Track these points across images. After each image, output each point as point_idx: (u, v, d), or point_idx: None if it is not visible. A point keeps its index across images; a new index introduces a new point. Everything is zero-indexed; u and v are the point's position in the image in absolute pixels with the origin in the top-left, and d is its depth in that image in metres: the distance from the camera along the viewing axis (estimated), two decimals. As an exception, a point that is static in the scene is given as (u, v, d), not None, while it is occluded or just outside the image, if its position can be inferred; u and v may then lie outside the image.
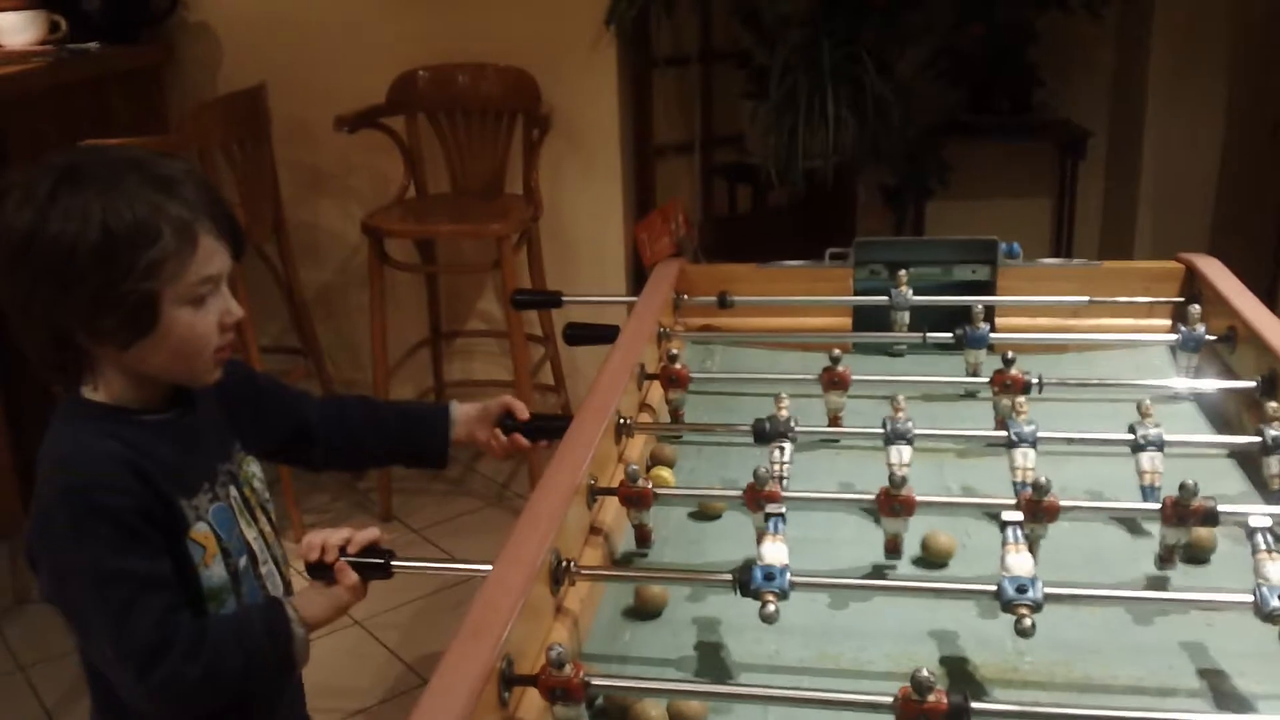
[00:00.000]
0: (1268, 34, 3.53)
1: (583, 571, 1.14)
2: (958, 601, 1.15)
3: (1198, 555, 1.27)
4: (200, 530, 1.20)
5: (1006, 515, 1.11)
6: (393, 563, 1.20)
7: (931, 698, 0.89)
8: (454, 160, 3.34)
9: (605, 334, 1.81)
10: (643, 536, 1.29)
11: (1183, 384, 1.67)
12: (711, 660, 1.13)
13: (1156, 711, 0.97)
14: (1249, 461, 1.43)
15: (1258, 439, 1.38)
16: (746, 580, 1.08)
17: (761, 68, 3.42)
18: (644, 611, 1.19)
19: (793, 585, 1.07)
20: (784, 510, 1.13)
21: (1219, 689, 1.08)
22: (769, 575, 1.06)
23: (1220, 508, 1.18)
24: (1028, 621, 1.03)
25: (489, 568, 1.07)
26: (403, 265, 3.25)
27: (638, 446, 1.49)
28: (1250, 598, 1.04)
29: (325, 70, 3.39)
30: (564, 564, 1.12)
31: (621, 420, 1.44)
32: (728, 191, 4.00)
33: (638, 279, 3.54)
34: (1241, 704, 1.05)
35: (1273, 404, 1.41)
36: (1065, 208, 4.04)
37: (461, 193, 3.34)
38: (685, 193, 3.81)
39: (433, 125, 3.32)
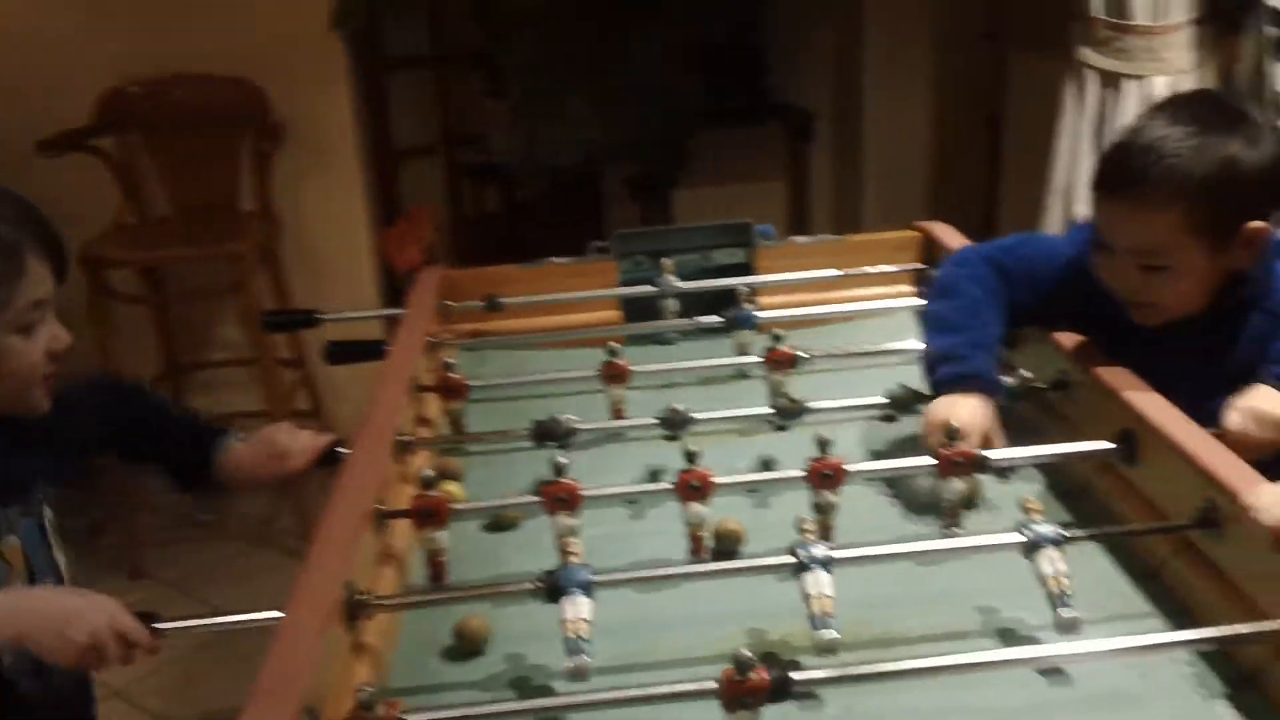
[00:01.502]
0: (972, 11, 3.77)
1: (380, 603, 1.10)
2: (760, 577, 1.17)
3: (968, 502, 1.34)
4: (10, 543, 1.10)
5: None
6: (159, 625, 1.12)
7: (754, 675, 0.90)
8: (176, 179, 3.16)
9: (371, 350, 1.76)
10: (437, 571, 1.23)
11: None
12: (528, 674, 1.11)
13: (955, 656, 1.02)
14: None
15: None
16: (555, 585, 1.07)
17: (500, 65, 3.41)
18: (468, 649, 1.15)
19: (599, 584, 1.07)
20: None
21: (1004, 625, 1.14)
22: (578, 579, 1.06)
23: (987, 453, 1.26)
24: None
25: (278, 615, 1.01)
26: (128, 297, 3.05)
27: (420, 464, 1.45)
28: (1020, 538, 1.12)
29: (23, 91, 3.13)
30: (359, 597, 1.08)
31: (402, 438, 1.40)
32: (475, 192, 3.96)
33: (390, 291, 3.46)
34: (1025, 637, 1.12)
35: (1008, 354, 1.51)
36: (798, 188, 4.22)
37: (187, 213, 3.17)
38: (431, 196, 3.75)
39: (149, 143, 3.12)
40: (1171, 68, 2.60)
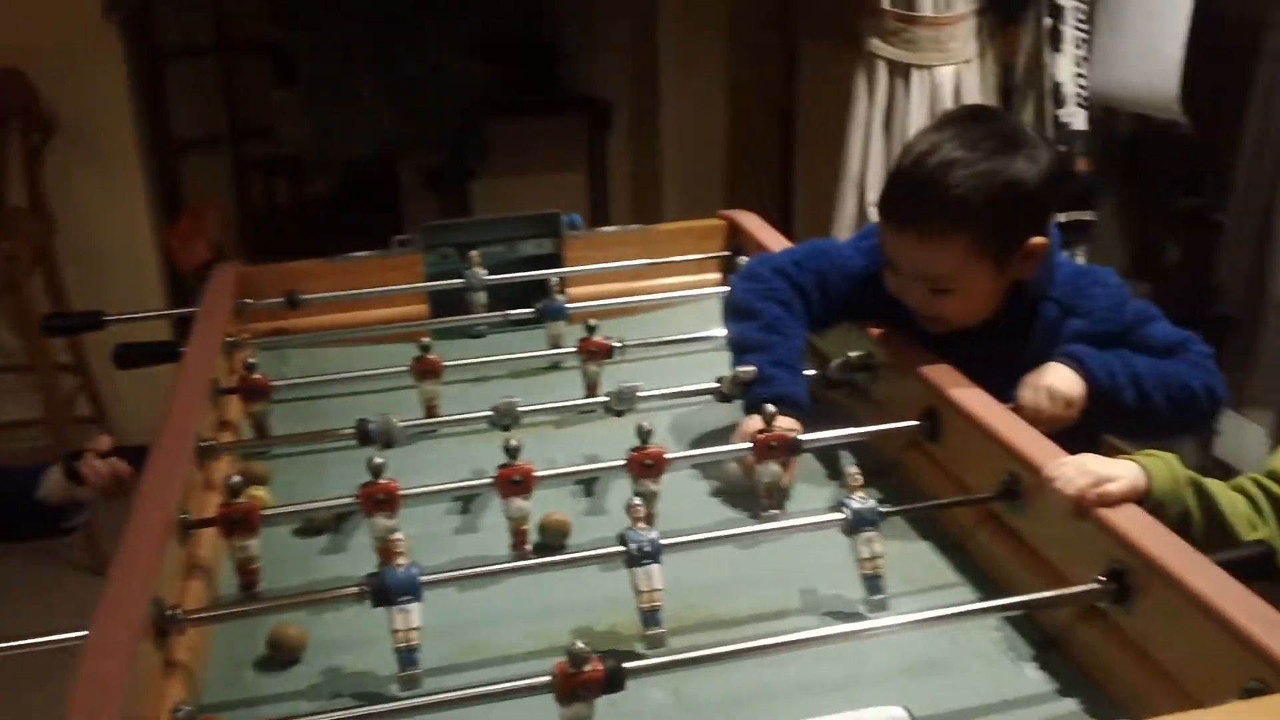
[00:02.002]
0: (764, 1, 3.84)
1: (192, 617, 1.05)
2: (585, 568, 1.16)
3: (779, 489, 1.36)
4: None
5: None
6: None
7: (588, 667, 0.89)
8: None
9: (164, 352, 1.68)
10: (249, 580, 1.17)
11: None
12: (349, 682, 1.07)
13: (779, 635, 1.03)
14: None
15: (813, 372, 1.51)
16: (380, 589, 1.04)
17: (288, 53, 3.29)
18: (285, 659, 1.10)
19: (422, 584, 1.04)
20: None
21: (824, 601, 1.17)
22: (402, 582, 1.03)
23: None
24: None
25: (80, 635, 0.95)
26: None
27: (224, 469, 1.39)
28: (841, 515, 1.15)
29: None
30: (169, 613, 1.02)
31: (203, 443, 1.33)
32: (264, 186, 3.82)
33: (176, 290, 3.31)
34: (845, 612, 1.15)
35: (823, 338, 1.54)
36: (598, 178, 4.23)
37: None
38: (218, 191, 3.59)
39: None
40: (956, 58, 2.72)
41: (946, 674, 1.06)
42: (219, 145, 3.60)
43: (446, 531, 1.30)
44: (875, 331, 1.51)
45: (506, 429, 1.39)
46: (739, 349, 1.48)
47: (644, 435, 1.24)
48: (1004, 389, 1.34)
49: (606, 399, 1.42)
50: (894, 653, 1.07)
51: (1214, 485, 1.15)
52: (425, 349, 1.52)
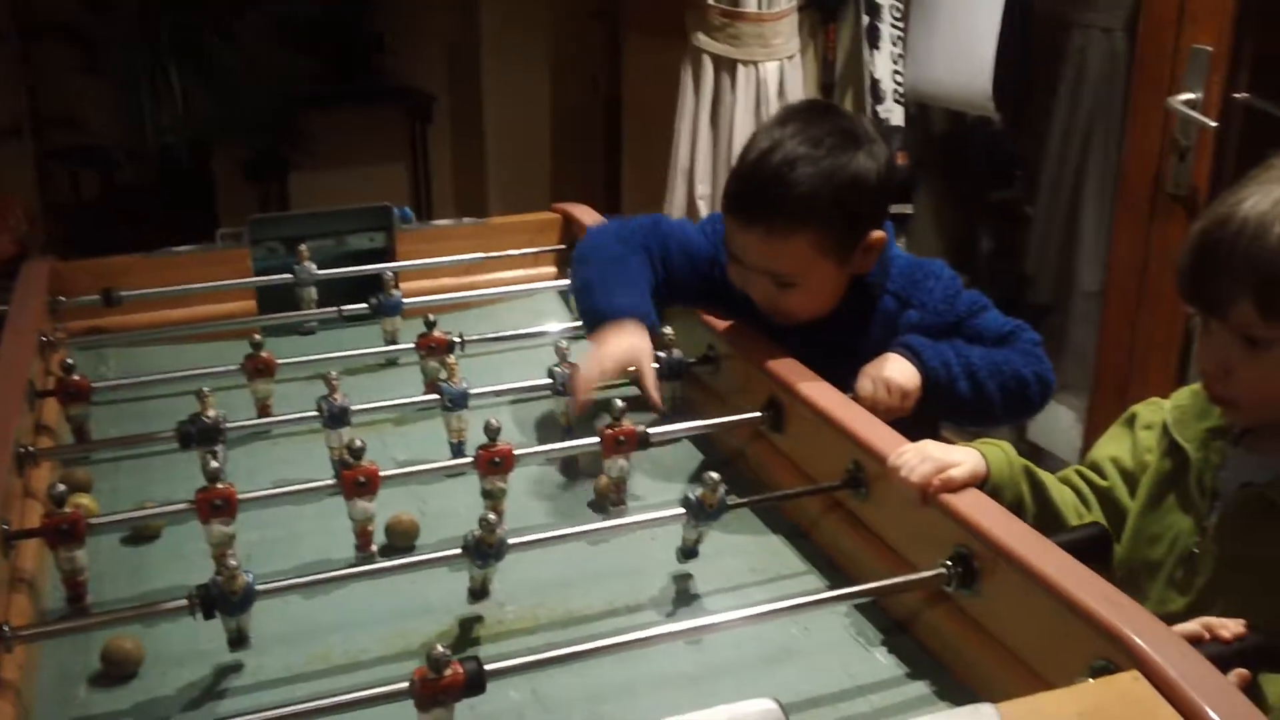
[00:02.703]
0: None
1: (19, 635, 0.98)
2: (435, 569, 1.13)
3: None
4: None
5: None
6: None
7: (448, 672, 0.87)
8: None
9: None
10: (77, 593, 1.11)
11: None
12: (183, 697, 1.02)
13: (635, 631, 1.02)
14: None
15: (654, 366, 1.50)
16: (209, 599, 0.99)
17: (94, 40, 3.11)
18: (119, 674, 1.04)
19: (263, 593, 1.00)
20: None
21: (677, 593, 1.18)
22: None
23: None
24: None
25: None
26: None
27: (45, 476, 1.30)
28: (681, 510, 1.15)
29: None
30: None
31: (21, 449, 1.24)
32: (71, 178, 3.61)
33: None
34: (695, 602, 1.16)
35: (666, 331, 1.54)
36: (420, 171, 4.16)
37: None
38: (20, 183, 3.38)
39: None
40: (780, 53, 2.77)
41: (798, 662, 1.07)
42: (19, 136, 3.38)
43: (288, 536, 1.25)
44: (716, 323, 1.53)
45: (345, 422, 1.33)
46: (585, 290, 1.47)
47: (492, 433, 1.22)
48: (845, 379, 1.37)
49: (440, 396, 1.39)
50: (746, 643, 1.08)
51: (1045, 475, 1.20)
52: (257, 346, 1.46)
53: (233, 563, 0.99)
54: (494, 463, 1.21)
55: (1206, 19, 2.25)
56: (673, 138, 2.88)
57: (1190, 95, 2.28)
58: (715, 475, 1.14)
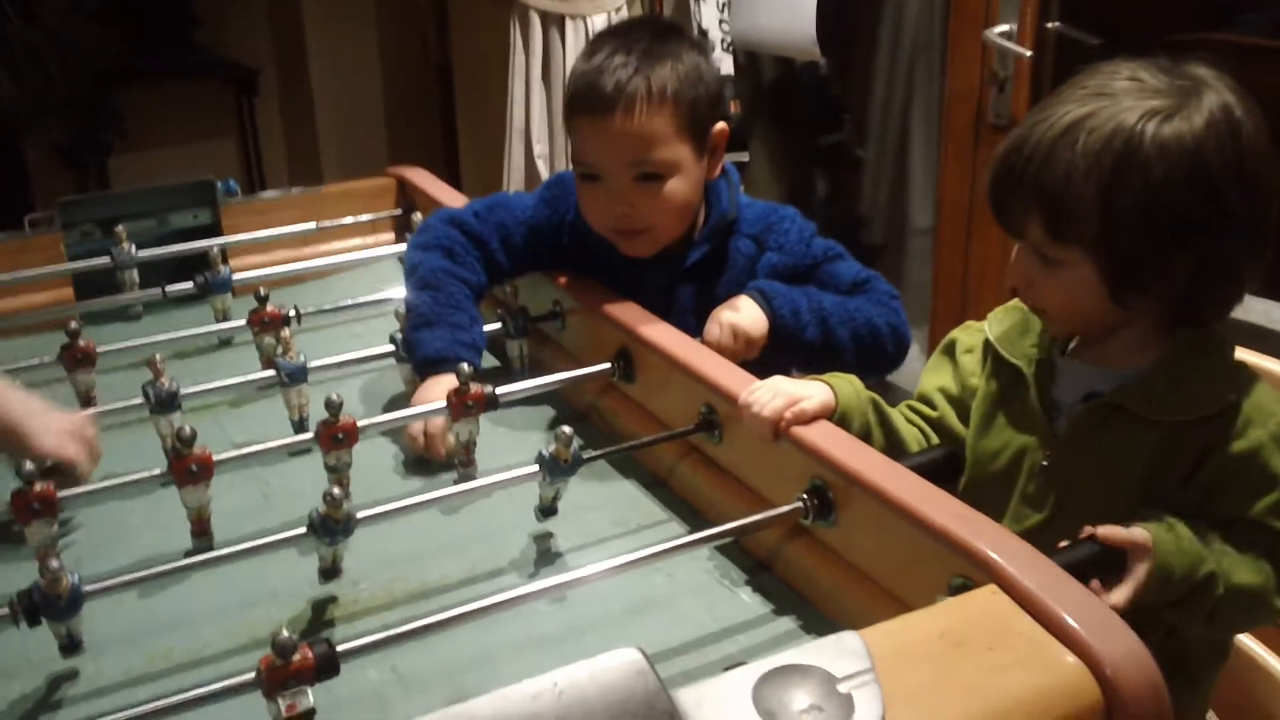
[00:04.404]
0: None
1: None
2: (279, 552, 1.08)
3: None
4: None
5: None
6: None
7: (297, 657, 0.83)
8: None
9: None
10: None
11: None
12: (16, 711, 0.95)
13: (491, 597, 0.99)
14: (496, 346, 1.52)
15: (498, 325, 1.48)
16: (33, 605, 0.92)
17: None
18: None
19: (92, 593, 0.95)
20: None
21: (538, 556, 1.15)
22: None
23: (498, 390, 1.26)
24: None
25: None
26: None
27: None
28: (535, 468, 1.13)
29: None
30: None
31: None
32: None
33: None
34: (557, 561, 1.14)
35: (509, 288, 1.51)
36: (249, 145, 4.01)
37: None
38: None
39: None
40: (607, 5, 2.74)
41: (664, 610, 1.06)
42: None
43: (119, 532, 1.18)
44: (562, 279, 1.50)
45: (175, 409, 1.26)
46: (415, 322, 1.41)
47: (334, 408, 1.17)
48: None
49: (277, 372, 1.33)
50: (611, 597, 1.06)
51: (890, 408, 1.21)
52: (74, 334, 1.37)
53: (54, 564, 0.92)
54: (337, 438, 1.17)
55: (1018, -49, 2.31)
56: (506, 98, 2.83)
57: (1005, 27, 2.34)
58: (568, 429, 1.12)
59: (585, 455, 1.14)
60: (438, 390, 1.30)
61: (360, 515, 1.05)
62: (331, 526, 1.02)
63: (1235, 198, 1.00)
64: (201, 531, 1.13)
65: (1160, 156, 0.98)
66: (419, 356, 1.37)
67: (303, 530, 1.03)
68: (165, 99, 3.65)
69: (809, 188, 3.55)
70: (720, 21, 2.93)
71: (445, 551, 1.16)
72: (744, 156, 2.98)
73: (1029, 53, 2.31)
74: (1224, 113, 1.01)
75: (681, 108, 1.37)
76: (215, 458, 1.12)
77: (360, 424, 1.18)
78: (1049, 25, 2.36)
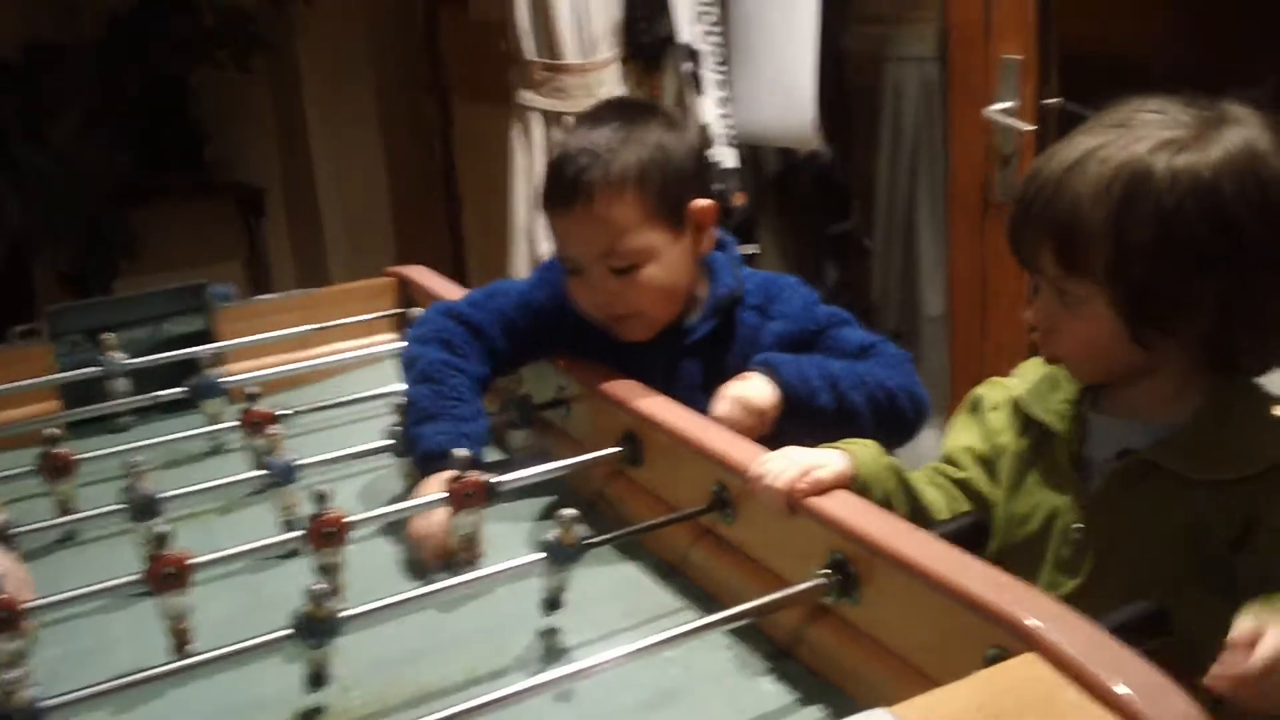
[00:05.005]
0: (414, 67, 3.76)
1: None
2: (267, 659, 1.01)
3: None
4: None
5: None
6: None
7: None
8: None
9: None
10: None
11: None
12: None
13: (501, 689, 0.92)
14: (498, 437, 1.46)
15: (502, 414, 1.43)
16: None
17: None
18: None
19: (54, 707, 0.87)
20: None
21: (541, 650, 1.07)
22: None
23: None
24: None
25: None
26: None
27: None
28: (539, 555, 1.06)
29: None
30: None
31: None
32: None
33: None
34: (565, 656, 1.06)
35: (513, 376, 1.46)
36: (258, 265, 4.01)
37: None
38: None
39: None
40: (605, 102, 2.74)
41: (682, 702, 0.98)
42: None
43: (98, 646, 1.11)
44: (565, 365, 1.44)
45: (154, 512, 1.20)
46: (407, 405, 1.37)
47: (321, 500, 1.10)
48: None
49: (266, 472, 1.27)
50: (623, 691, 0.98)
51: (912, 472, 1.15)
52: (53, 441, 1.32)
53: (11, 675, 0.85)
54: (326, 533, 1.10)
55: (1011, 30, 2.31)
56: (509, 198, 2.82)
57: (1006, 104, 2.32)
58: (571, 511, 1.05)
59: (590, 540, 1.08)
60: (438, 487, 1.24)
61: (349, 614, 0.98)
62: (317, 627, 0.95)
63: (1256, 232, 0.95)
64: (182, 642, 1.06)
65: (1171, 186, 0.95)
66: (420, 451, 1.32)
67: (286, 632, 0.96)
68: (174, 220, 3.66)
69: (819, 277, 3.51)
70: (721, 116, 2.93)
71: (444, 651, 1.08)
72: (754, 248, 2.95)
73: (1031, 127, 2.29)
74: (1245, 145, 0.97)
75: (647, 191, 1.33)
76: (194, 561, 1.06)
77: (352, 519, 1.12)
78: (1047, 102, 2.34)
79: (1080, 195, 0.98)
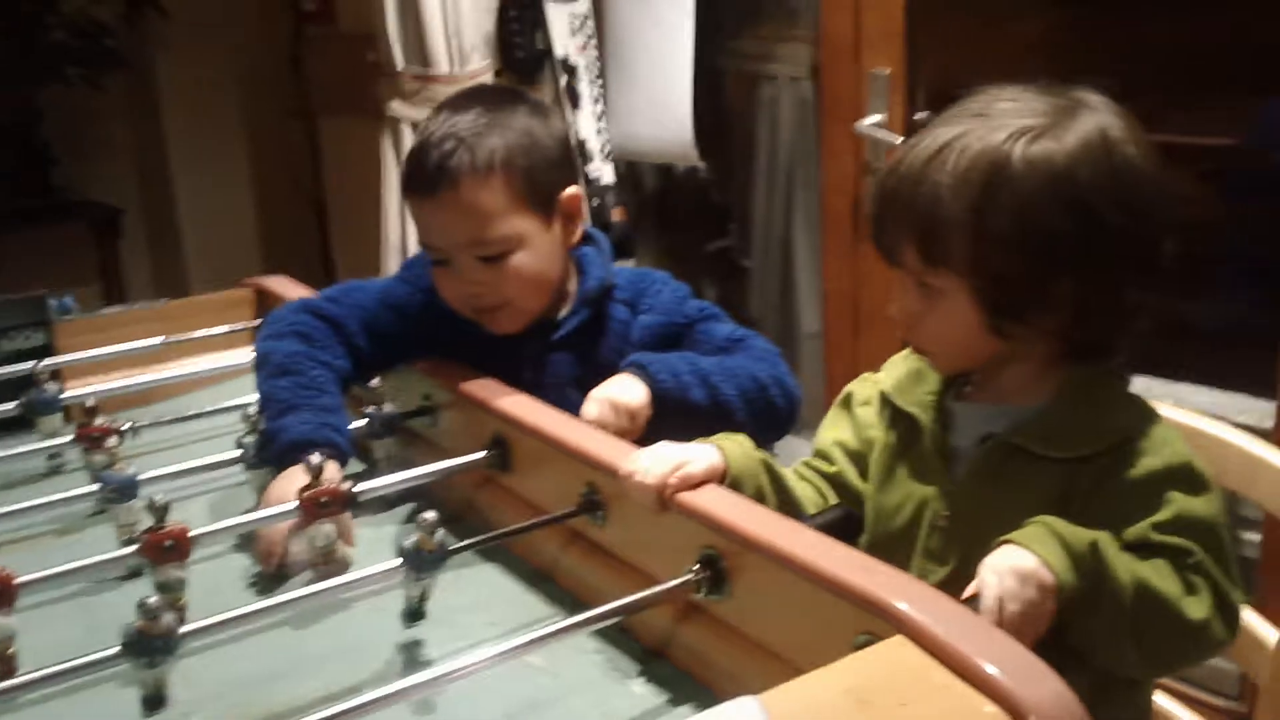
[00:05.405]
0: (279, 86, 3.66)
1: None
2: (98, 687, 0.93)
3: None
4: None
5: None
6: None
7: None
8: None
9: None
10: None
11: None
12: None
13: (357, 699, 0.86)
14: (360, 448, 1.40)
15: (363, 422, 1.36)
16: None
17: None
18: None
19: None
20: None
21: (401, 664, 1.02)
22: None
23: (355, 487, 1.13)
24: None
25: None
26: None
27: None
28: (395, 563, 1.00)
29: None
30: None
31: None
32: None
33: None
34: (426, 668, 0.99)
35: (374, 383, 1.39)
36: (114, 290, 3.85)
37: None
38: None
39: None
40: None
41: (549, 710, 0.94)
42: None
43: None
44: (431, 371, 1.39)
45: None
46: (262, 403, 1.30)
47: (159, 512, 1.03)
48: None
49: (102, 486, 1.19)
50: (488, 701, 0.94)
51: (783, 468, 1.12)
52: None
53: None
54: (165, 547, 1.03)
55: (881, 44, 2.33)
56: (381, 213, 2.75)
57: (877, 118, 2.34)
58: (431, 515, 1.00)
59: (453, 545, 1.02)
60: (284, 487, 1.17)
61: (186, 630, 0.91)
62: (149, 645, 0.88)
63: (1112, 219, 0.95)
64: (5, 669, 0.97)
65: (1028, 174, 0.94)
66: (283, 443, 1.23)
67: (113, 651, 0.88)
68: (23, 244, 3.49)
69: (698, 294, 3.50)
70: (598, 130, 2.91)
71: (298, 671, 1.01)
72: (631, 264, 2.93)
73: (902, 140, 2.31)
74: (1099, 133, 0.97)
75: (515, 177, 1.29)
76: (21, 580, 0.97)
77: (194, 532, 1.05)
78: (917, 116, 2.37)
79: (940, 186, 0.96)
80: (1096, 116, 0.98)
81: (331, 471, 1.16)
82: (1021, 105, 0.99)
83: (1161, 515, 0.93)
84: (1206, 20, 2.23)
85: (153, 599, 0.88)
